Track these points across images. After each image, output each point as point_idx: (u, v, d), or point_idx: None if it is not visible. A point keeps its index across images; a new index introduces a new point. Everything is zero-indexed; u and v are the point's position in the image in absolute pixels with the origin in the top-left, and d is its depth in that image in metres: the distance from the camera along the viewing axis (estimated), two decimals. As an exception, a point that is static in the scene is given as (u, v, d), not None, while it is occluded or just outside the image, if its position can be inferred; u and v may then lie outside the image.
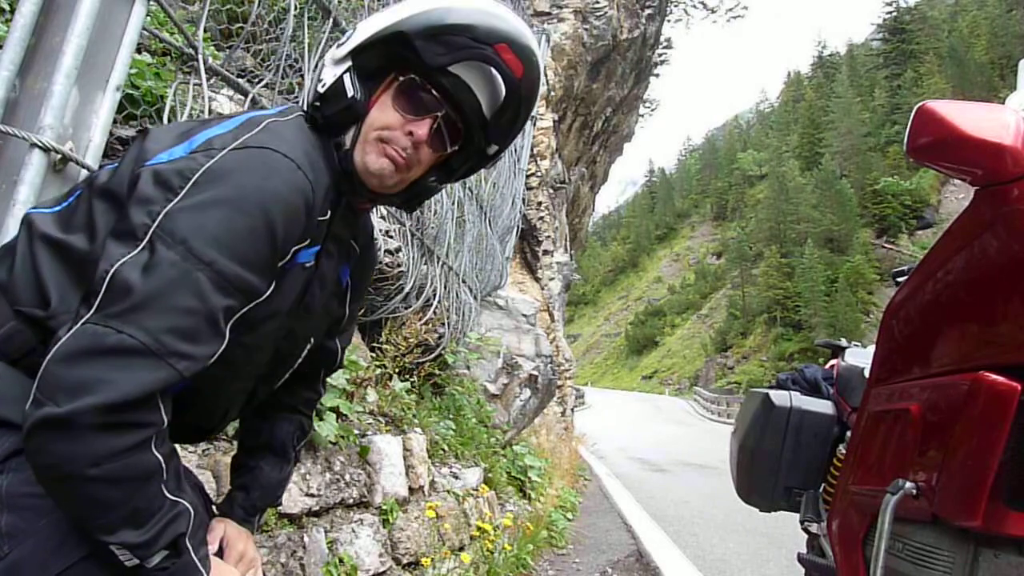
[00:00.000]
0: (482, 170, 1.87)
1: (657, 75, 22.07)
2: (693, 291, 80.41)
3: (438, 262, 4.08)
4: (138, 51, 1.86)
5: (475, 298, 5.22)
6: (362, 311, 3.27)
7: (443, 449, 3.65)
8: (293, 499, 2.10)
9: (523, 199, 7.70)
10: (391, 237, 3.28)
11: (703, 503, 7.35)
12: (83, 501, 0.76)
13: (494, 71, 1.00)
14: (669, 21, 22.39)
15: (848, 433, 1.98)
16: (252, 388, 1.08)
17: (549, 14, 10.55)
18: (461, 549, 3.16)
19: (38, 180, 1.21)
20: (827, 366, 2.60)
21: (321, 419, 2.27)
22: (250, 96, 2.13)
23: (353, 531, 2.35)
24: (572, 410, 13.06)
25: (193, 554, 0.85)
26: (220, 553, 1.05)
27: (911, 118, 1.19)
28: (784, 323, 52.98)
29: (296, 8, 2.29)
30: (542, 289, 10.27)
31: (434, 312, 3.94)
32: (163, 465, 0.80)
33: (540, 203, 10.09)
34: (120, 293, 0.77)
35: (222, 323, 0.84)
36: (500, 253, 6.40)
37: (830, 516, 1.69)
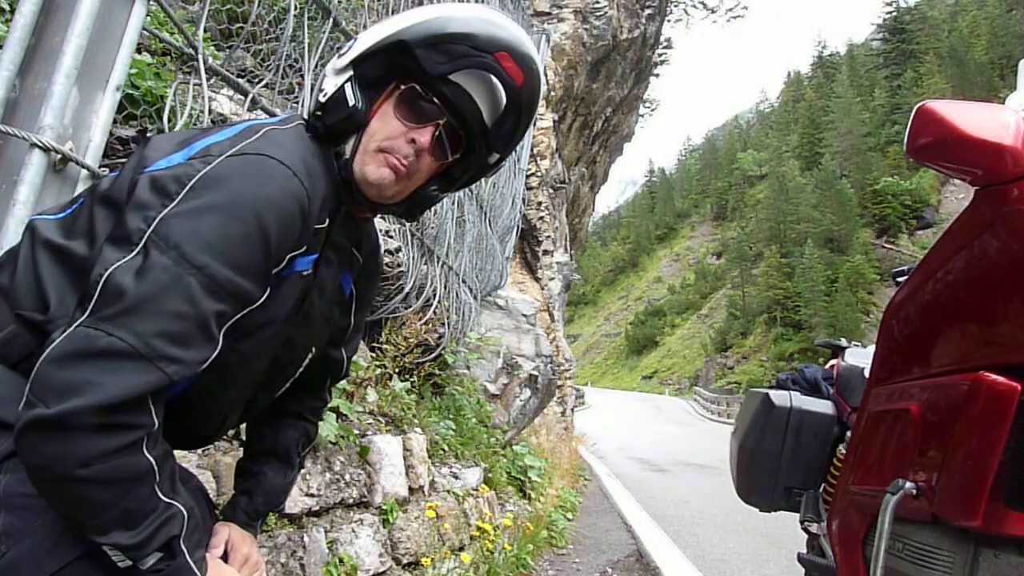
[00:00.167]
0: (483, 176, 1.88)
1: (657, 75, 22.12)
2: (693, 291, 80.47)
3: (438, 262, 4.08)
4: (138, 51, 1.86)
5: (475, 298, 5.21)
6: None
7: (443, 449, 3.65)
8: (293, 499, 2.10)
9: (523, 199, 7.70)
10: (391, 237, 3.28)
11: (703, 503, 7.35)
12: (74, 502, 0.77)
13: (495, 79, 1.00)
14: (669, 21, 22.43)
15: (848, 433, 1.98)
16: (251, 396, 1.08)
17: (549, 14, 10.56)
18: (461, 549, 3.16)
19: (38, 180, 1.21)
20: (827, 366, 2.60)
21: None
22: (250, 96, 2.12)
23: (353, 531, 2.35)
24: (572, 410, 13.07)
25: (188, 556, 0.85)
26: (225, 556, 1.05)
27: (911, 118, 1.19)
28: (784, 323, 52.97)
29: (296, 8, 2.29)
30: (542, 289, 10.27)
31: (434, 312, 3.94)
32: (155, 467, 0.80)
33: (540, 203, 10.09)
34: (113, 297, 0.78)
35: (214, 328, 0.84)
36: (500, 253, 6.40)
37: (830, 516, 1.69)
